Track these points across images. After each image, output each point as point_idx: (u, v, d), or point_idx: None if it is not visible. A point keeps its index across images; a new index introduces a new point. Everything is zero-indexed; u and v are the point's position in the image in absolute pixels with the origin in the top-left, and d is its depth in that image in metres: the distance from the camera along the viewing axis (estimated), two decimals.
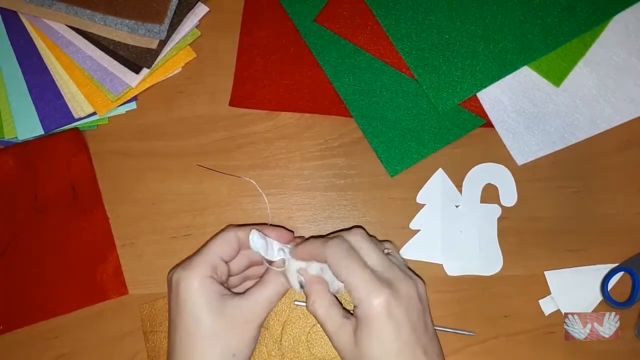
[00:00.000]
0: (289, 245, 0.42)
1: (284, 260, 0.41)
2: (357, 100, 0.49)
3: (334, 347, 0.38)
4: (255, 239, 0.40)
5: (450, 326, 0.46)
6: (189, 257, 0.40)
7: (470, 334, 0.45)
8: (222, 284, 0.39)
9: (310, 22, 0.50)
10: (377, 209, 0.48)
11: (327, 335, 0.39)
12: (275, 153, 0.49)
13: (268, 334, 0.46)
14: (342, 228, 0.48)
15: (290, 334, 0.46)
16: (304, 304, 0.44)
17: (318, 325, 0.45)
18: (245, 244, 0.41)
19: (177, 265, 0.40)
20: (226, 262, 0.40)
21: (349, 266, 0.37)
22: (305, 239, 0.42)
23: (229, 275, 0.42)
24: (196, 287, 0.37)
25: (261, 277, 0.41)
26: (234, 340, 0.38)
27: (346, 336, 0.37)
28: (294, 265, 0.40)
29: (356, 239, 0.39)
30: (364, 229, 0.41)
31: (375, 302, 0.35)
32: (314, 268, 0.40)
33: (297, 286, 0.41)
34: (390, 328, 0.35)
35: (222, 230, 0.41)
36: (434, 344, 0.38)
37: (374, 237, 0.43)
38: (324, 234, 0.48)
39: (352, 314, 0.38)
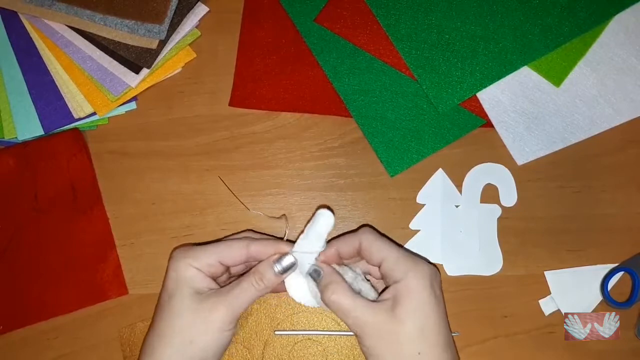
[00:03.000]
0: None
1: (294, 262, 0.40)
2: (357, 100, 0.49)
3: (362, 339, 0.37)
4: (324, 221, 0.40)
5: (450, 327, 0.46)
6: (198, 245, 0.41)
7: (454, 334, 0.45)
8: (212, 277, 0.40)
9: (310, 22, 0.50)
10: (377, 209, 0.48)
11: (353, 326, 0.37)
12: (275, 153, 0.49)
13: (249, 354, 0.45)
14: (342, 227, 0.48)
15: (272, 353, 0.45)
16: (286, 332, 0.45)
17: (300, 343, 0.46)
18: (257, 257, 0.41)
19: (185, 245, 0.42)
20: (226, 266, 0.41)
21: (385, 245, 0.39)
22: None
23: (226, 272, 0.42)
24: (180, 271, 0.39)
25: (241, 275, 0.41)
26: (194, 325, 0.38)
27: (381, 318, 0.36)
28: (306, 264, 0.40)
29: (372, 237, 0.41)
30: (371, 226, 0.42)
31: (421, 274, 0.37)
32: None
33: (307, 284, 0.40)
34: (433, 300, 0.37)
35: (238, 236, 0.42)
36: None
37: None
38: None
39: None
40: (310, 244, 0.40)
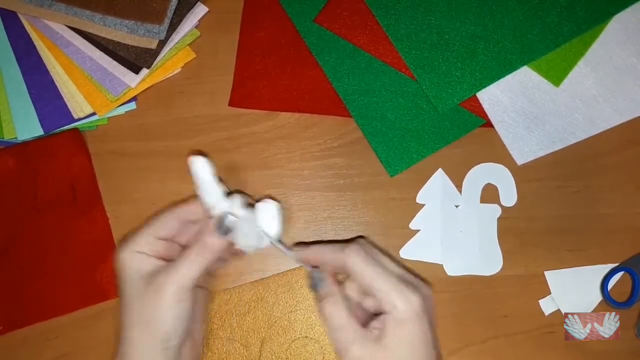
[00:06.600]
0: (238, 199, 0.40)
1: (225, 215, 0.39)
2: (356, 100, 0.49)
3: (344, 358, 0.36)
4: (197, 165, 0.38)
5: (449, 327, 0.46)
6: (133, 232, 0.41)
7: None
8: (160, 255, 0.40)
9: (310, 22, 0.50)
10: (377, 209, 0.48)
11: (338, 345, 0.37)
12: (275, 153, 0.49)
13: (246, 351, 0.45)
14: (342, 227, 0.48)
15: (269, 351, 0.46)
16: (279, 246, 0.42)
17: (297, 341, 0.46)
18: (187, 217, 0.40)
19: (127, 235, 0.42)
20: (167, 239, 0.40)
21: (375, 272, 0.37)
22: (308, 244, 0.41)
23: (174, 248, 0.42)
24: (125, 260, 0.39)
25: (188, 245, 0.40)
26: (147, 306, 0.37)
27: (368, 346, 0.36)
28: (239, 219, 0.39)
29: (368, 247, 0.40)
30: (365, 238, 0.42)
31: (409, 306, 0.36)
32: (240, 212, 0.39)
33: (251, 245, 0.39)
34: (421, 331, 0.36)
35: (163, 210, 0.41)
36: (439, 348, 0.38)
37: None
38: (324, 234, 0.48)
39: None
40: (209, 194, 0.39)
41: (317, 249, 0.40)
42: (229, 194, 0.40)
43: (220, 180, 0.39)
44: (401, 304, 0.36)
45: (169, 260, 0.40)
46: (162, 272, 0.38)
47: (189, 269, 0.38)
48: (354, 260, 0.37)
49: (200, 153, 0.40)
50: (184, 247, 0.42)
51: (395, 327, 0.36)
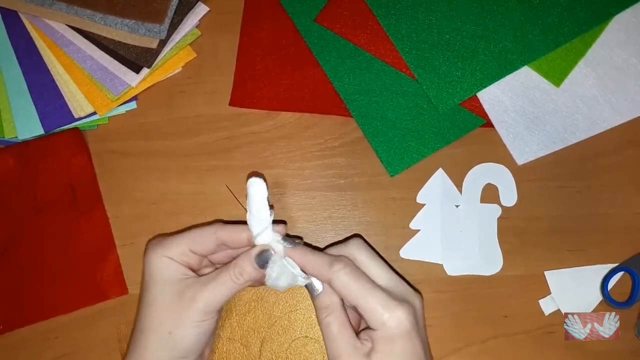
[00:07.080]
0: (280, 238, 0.40)
1: (271, 249, 0.39)
2: (357, 100, 0.49)
3: None
4: (256, 188, 0.38)
5: (449, 327, 0.46)
6: (171, 234, 0.41)
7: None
8: (188, 266, 0.40)
9: (310, 22, 0.50)
10: (377, 209, 0.48)
11: (330, 354, 0.37)
12: (275, 153, 0.49)
13: (247, 351, 0.45)
14: (342, 227, 0.48)
15: (269, 350, 0.46)
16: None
17: (297, 340, 0.46)
18: (226, 242, 0.40)
19: (160, 236, 0.42)
20: (199, 254, 0.40)
21: (361, 290, 0.36)
22: (302, 245, 0.40)
23: (204, 263, 0.42)
24: (154, 263, 0.39)
25: (222, 266, 0.40)
26: (171, 316, 0.37)
27: (359, 358, 0.36)
28: (277, 257, 0.39)
29: (360, 254, 0.39)
30: (362, 237, 0.41)
31: (398, 323, 0.35)
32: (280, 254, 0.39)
33: (282, 284, 0.39)
34: (410, 346, 0.35)
35: (206, 225, 0.41)
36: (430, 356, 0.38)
37: (371, 246, 0.42)
38: (324, 234, 0.48)
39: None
40: (259, 219, 0.39)
41: (302, 258, 0.39)
42: (274, 222, 0.40)
43: (271, 207, 0.39)
44: (389, 321, 0.35)
45: (196, 272, 0.41)
46: (192, 287, 0.38)
47: (220, 291, 0.38)
48: (340, 281, 0.37)
49: (257, 174, 0.40)
50: (213, 263, 0.43)
51: (385, 344, 0.35)
